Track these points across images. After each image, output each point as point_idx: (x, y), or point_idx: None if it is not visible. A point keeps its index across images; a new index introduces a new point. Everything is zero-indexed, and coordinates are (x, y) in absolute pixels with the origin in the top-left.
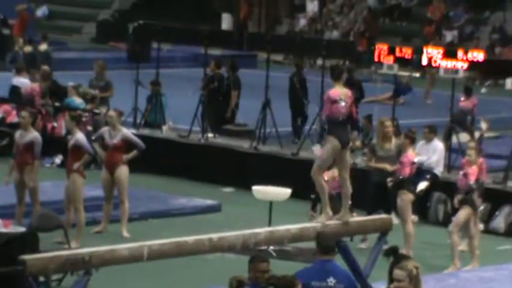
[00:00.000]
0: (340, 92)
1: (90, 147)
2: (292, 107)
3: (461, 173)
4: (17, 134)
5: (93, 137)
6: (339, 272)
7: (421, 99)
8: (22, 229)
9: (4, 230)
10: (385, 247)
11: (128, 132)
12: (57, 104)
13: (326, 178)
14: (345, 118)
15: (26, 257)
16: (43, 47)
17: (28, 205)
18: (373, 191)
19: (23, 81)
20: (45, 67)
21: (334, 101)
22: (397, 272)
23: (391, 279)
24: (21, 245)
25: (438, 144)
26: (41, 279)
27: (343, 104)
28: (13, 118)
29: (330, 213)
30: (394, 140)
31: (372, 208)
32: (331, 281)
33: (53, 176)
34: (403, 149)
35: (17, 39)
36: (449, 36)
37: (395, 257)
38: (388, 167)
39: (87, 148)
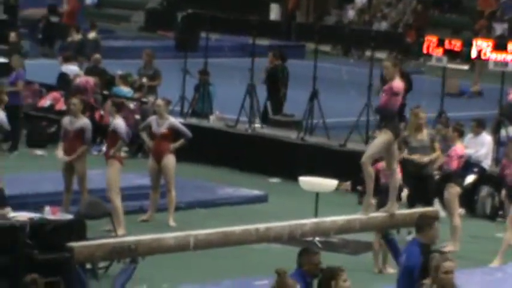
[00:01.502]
0: (402, 86)
1: (125, 134)
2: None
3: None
4: (66, 120)
5: (141, 126)
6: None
7: (469, 92)
8: (70, 216)
9: (52, 217)
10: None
11: (175, 121)
12: (105, 92)
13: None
14: (397, 111)
15: (74, 244)
16: (92, 35)
17: (75, 193)
18: (409, 183)
19: (72, 69)
20: (97, 55)
21: (396, 94)
22: (448, 264)
23: (423, 273)
24: (68, 232)
25: (486, 138)
26: (88, 266)
27: (400, 97)
28: (62, 106)
29: (373, 202)
30: (425, 131)
31: (410, 200)
32: None
33: (100, 163)
34: (451, 141)
35: (67, 28)
36: (499, 29)
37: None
38: (422, 158)
39: (121, 134)
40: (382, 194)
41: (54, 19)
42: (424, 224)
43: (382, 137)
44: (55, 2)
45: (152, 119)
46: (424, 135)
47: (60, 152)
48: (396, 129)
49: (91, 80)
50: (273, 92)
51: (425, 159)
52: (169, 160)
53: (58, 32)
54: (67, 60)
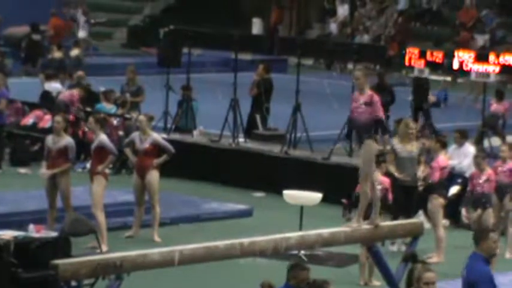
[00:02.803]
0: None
1: (113, 148)
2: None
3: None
4: (49, 139)
5: (125, 142)
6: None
7: (452, 103)
8: (54, 234)
9: (36, 235)
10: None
11: (158, 136)
12: (89, 109)
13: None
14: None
15: (58, 261)
16: (74, 52)
17: (60, 210)
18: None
19: (55, 86)
20: (80, 72)
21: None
22: (428, 275)
23: (408, 285)
24: (53, 249)
25: (470, 148)
26: (73, 283)
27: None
28: (45, 123)
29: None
30: (415, 142)
31: (396, 212)
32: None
33: (84, 181)
34: (434, 153)
35: (51, 46)
36: (480, 40)
37: (414, 262)
38: (396, 172)
39: (110, 149)
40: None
41: (36, 37)
42: (479, 237)
43: (370, 149)
44: (37, 20)
45: (135, 135)
46: (414, 146)
47: (43, 169)
48: (376, 141)
49: (75, 92)
50: (260, 106)
51: (398, 174)
52: (153, 176)
53: (41, 50)
54: (49, 78)
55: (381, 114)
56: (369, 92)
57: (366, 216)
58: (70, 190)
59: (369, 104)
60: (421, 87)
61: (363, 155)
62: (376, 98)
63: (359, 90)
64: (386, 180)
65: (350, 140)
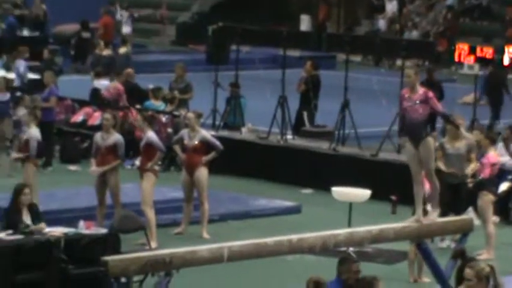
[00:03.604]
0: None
1: (161, 144)
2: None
3: None
4: (98, 136)
5: (174, 139)
6: None
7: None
8: (104, 230)
9: (86, 232)
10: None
11: (207, 133)
12: (138, 106)
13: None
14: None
15: (108, 258)
16: (123, 50)
17: (109, 207)
18: (444, 192)
19: (104, 84)
20: (129, 70)
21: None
22: (466, 271)
23: (458, 282)
24: (102, 246)
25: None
26: (123, 280)
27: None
28: (94, 121)
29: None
30: (463, 140)
31: (444, 209)
32: None
33: (133, 177)
34: (483, 149)
35: (99, 43)
36: None
37: (463, 259)
38: (444, 168)
39: (158, 146)
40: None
41: (86, 35)
42: None
43: (431, 145)
44: (87, 18)
45: (184, 132)
46: (462, 143)
47: (93, 167)
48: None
49: (119, 85)
50: (308, 103)
51: (466, 171)
52: (202, 173)
53: (90, 48)
54: (98, 75)
55: (440, 108)
56: (421, 89)
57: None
58: (119, 187)
59: (424, 101)
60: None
61: (424, 152)
62: (431, 94)
63: (410, 88)
64: None
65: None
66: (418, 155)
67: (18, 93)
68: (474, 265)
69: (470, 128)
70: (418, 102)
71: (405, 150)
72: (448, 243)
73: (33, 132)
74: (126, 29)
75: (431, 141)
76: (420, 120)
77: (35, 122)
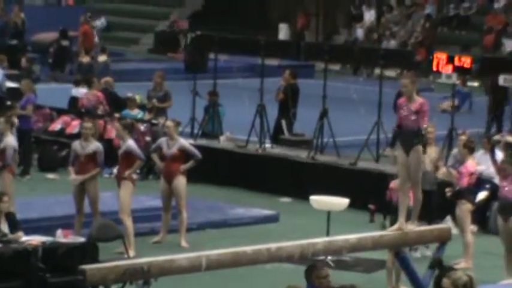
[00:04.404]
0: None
1: (141, 153)
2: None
3: None
4: (76, 144)
5: (152, 148)
6: None
7: (479, 108)
8: (82, 239)
9: (64, 240)
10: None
11: (185, 142)
12: (116, 115)
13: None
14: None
15: (86, 267)
16: (102, 58)
17: (87, 215)
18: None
19: (82, 92)
20: (108, 78)
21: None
22: (444, 280)
23: None
24: (81, 255)
25: (497, 154)
26: None
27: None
28: (73, 129)
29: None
30: (434, 147)
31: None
32: None
33: (111, 186)
34: (461, 158)
35: (80, 51)
36: (509, 45)
37: (441, 268)
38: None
39: (138, 154)
40: (394, 212)
41: (65, 43)
42: None
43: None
44: (66, 27)
45: (162, 140)
46: (433, 151)
47: (72, 175)
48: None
49: (98, 93)
50: (286, 111)
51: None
52: (180, 181)
53: (69, 56)
54: (77, 83)
55: (422, 124)
56: (420, 99)
57: (394, 222)
58: (98, 195)
59: (418, 112)
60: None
61: (413, 160)
62: (426, 107)
63: (407, 97)
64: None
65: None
66: (408, 163)
67: None
68: (451, 274)
69: (448, 137)
70: (413, 111)
71: (397, 157)
72: (422, 252)
73: (9, 141)
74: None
75: (419, 151)
76: (414, 129)
77: (11, 130)
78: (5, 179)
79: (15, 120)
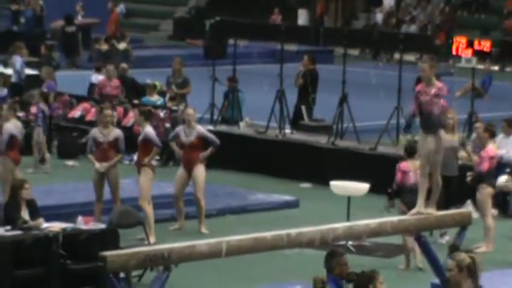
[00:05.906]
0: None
1: (158, 140)
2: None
3: None
4: (96, 131)
5: (170, 136)
6: None
7: (499, 93)
8: (102, 226)
9: (85, 227)
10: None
11: (203, 129)
12: (136, 101)
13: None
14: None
15: (107, 253)
16: (122, 45)
17: (107, 202)
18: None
19: (101, 79)
20: (123, 65)
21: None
22: (448, 261)
23: None
24: (101, 241)
25: None
26: (122, 275)
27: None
28: (92, 116)
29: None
30: (456, 132)
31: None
32: None
33: (131, 173)
34: (482, 143)
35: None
36: None
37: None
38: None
39: (155, 141)
40: (410, 195)
41: (70, 29)
42: None
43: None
44: (72, 13)
45: (180, 129)
46: (455, 136)
47: (97, 163)
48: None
49: (116, 81)
50: (306, 97)
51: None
52: (200, 170)
53: (75, 42)
54: (97, 70)
55: (442, 107)
56: (438, 84)
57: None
58: (119, 182)
59: (438, 95)
60: None
61: (436, 144)
62: (444, 92)
63: (426, 82)
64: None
65: (409, 132)
66: (428, 147)
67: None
68: (455, 255)
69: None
70: (433, 95)
71: (419, 142)
72: (447, 239)
73: (7, 127)
74: None
75: (441, 135)
76: (436, 113)
77: (14, 116)
78: (4, 165)
79: (46, 108)
